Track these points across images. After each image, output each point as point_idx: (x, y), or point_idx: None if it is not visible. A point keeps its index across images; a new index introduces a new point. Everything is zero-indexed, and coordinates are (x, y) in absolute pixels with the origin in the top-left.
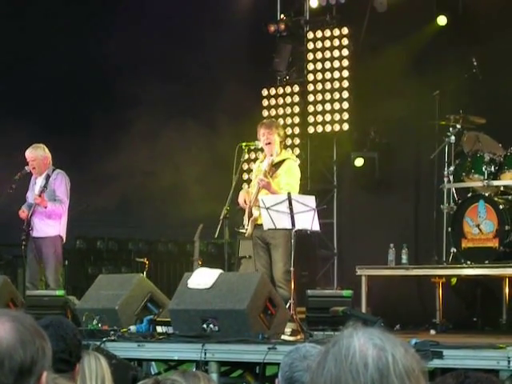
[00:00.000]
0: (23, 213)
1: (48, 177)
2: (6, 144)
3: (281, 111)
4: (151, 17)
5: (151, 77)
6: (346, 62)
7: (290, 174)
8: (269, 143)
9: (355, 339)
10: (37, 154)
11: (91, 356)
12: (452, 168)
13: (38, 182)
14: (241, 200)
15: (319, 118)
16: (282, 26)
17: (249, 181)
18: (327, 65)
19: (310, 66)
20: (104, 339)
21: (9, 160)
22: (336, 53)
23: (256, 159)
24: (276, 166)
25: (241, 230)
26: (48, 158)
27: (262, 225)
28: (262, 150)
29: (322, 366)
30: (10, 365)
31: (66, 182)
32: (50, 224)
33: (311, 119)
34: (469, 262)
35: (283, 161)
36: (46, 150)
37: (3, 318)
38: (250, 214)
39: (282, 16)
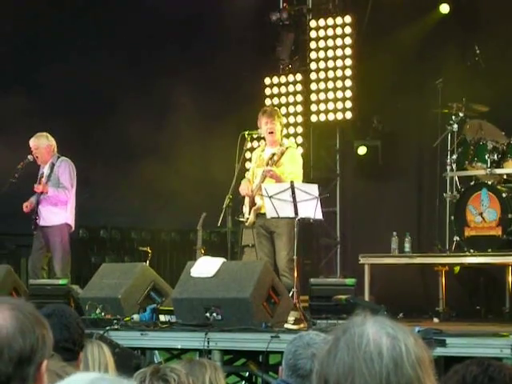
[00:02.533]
0: (26, 207)
1: (52, 165)
2: None
3: (284, 100)
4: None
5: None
6: (348, 51)
7: (294, 162)
8: (271, 132)
9: (368, 327)
10: (39, 143)
11: (94, 344)
12: (455, 156)
13: (44, 171)
14: (243, 189)
15: (322, 107)
16: (285, 15)
17: (247, 170)
18: (330, 53)
19: (313, 55)
20: (107, 328)
21: None
22: (339, 41)
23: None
24: (280, 155)
25: (241, 219)
26: (51, 146)
27: (265, 214)
28: (263, 138)
29: (334, 354)
30: (9, 353)
31: (70, 169)
32: (56, 212)
33: (314, 108)
34: (472, 251)
35: (285, 149)
36: (49, 137)
37: (3, 307)
38: (253, 203)
39: (285, 5)
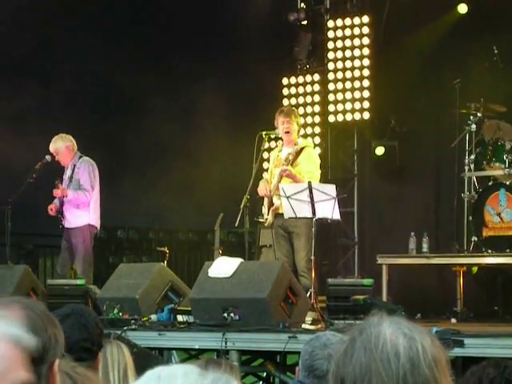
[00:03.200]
0: (51, 210)
1: (74, 166)
2: None
3: (301, 100)
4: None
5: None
6: (366, 51)
7: (310, 162)
8: (287, 132)
9: (384, 328)
10: (56, 147)
11: (113, 345)
12: (473, 156)
13: (66, 173)
14: (261, 190)
15: (340, 107)
16: (302, 15)
17: (264, 170)
18: (348, 53)
19: (331, 55)
20: (125, 328)
21: None
22: (357, 41)
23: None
24: (295, 154)
25: (260, 220)
26: (70, 147)
27: (283, 214)
28: (281, 138)
29: (350, 355)
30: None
31: (90, 169)
32: (78, 214)
33: (332, 108)
34: (490, 251)
35: (302, 149)
36: (64, 138)
37: (15, 306)
38: (271, 204)
39: (302, 5)
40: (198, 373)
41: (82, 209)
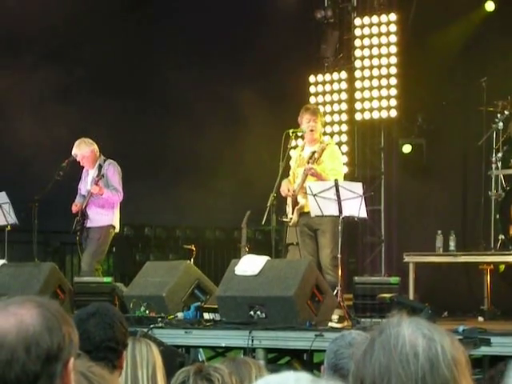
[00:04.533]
0: (75, 207)
1: (100, 167)
2: None
3: (328, 98)
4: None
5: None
6: (393, 49)
7: (334, 159)
8: (312, 130)
9: (404, 328)
10: (81, 151)
11: (142, 343)
12: (500, 154)
13: (90, 173)
14: (283, 190)
15: (367, 105)
16: (329, 13)
17: (288, 168)
18: (375, 51)
19: (358, 53)
20: (151, 326)
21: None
22: (384, 39)
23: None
24: (320, 152)
25: (284, 220)
26: (94, 151)
27: (308, 212)
28: (302, 136)
29: (370, 355)
30: (36, 351)
31: (118, 171)
32: (103, 213)
33: (359, 106)
34: None
35: (325, 146)
36: (87, 142)
37: (29, 305)
38: (295, 203)
39: (329, 2)
40: (311, 380)
41: (106, 209)
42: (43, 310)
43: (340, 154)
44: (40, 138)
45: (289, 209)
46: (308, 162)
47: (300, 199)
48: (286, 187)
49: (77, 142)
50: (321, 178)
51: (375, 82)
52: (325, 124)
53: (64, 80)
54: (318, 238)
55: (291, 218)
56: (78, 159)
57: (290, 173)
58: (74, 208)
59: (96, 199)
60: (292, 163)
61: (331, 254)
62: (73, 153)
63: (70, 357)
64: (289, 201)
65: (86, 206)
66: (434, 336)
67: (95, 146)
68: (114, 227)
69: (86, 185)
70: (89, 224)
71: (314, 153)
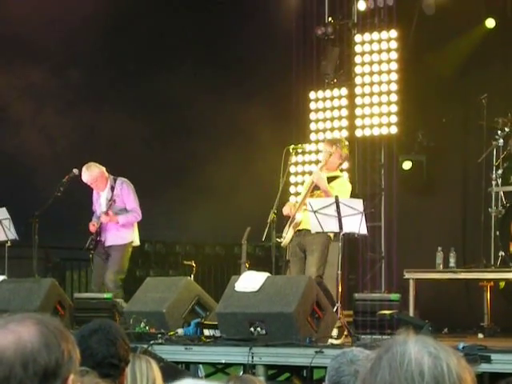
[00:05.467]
0: (93, 226)
1: (112, 188)
2: None
3: (328, 114)
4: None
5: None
6: (394, 65)
7: (342, 187)
8: (326, 162)
9: (410, 346)
10: (93, 175)
11: (142, 359)
12: (500, 171)
13: (102, 195)
14: (285, 210)
15: (367, 121)
16: (330, 29)
17: (291, 184)
18: (375, 68)
19: (358, 69)
20: (151, 342)
21: None
22: (384, 56)
23: (303, 162)
24: (328, 179)
25: (278, 240)
26: (104, 172)
27: (302, 231)
28: (308, 152)
29: (375, 373)
30: (34, 368)
31: (132, 190)
32: (122, 232)
33: (359, 122)
34: None
35: (336, 177)
36: (97, 165)
37: (28, 321)
38: (293, 219)
39: (330, 19)
40: None
41: (126, 227)
42: (42, 326)
43: (349, 186)
44: (42, 151)
45: (287, 229)
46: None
47: (297, 215)
48: (288, 208)
49: (85, 168)
50: (324, 189)
51: (375, 99)
52: (344, 157)
53: (68, 94)
54: (307, 257)
55: (284, 237)
56: (89, 183)
57: (298, 195)
58: (92, 227)
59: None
60: (303, 189)
61: (316, 272)
62: (83, 179)
63: (70, 374)
64: (289, 221)
65: (101, 227)
66: (439, 354)
67: (103, 168)
68: (132, 242)
69: (99, 206)
70: (108, 243)
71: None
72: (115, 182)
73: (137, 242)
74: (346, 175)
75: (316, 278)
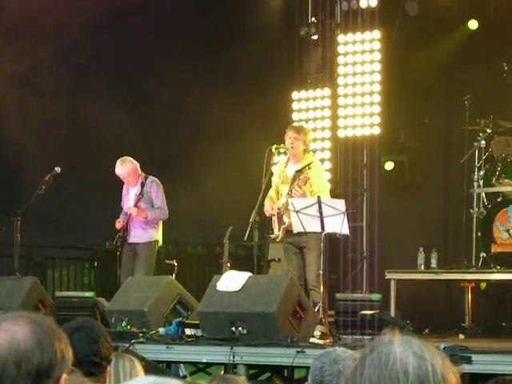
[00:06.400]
0: (119, 223)
1: (142, 184)
2: None
3: (311, 114)
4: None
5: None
6: (377, 66)
7: (317, 175)
8: (292, 147)
9: (395, 346)
10: (127, 169)
11: (126, 358)
12: (482, 172)
13: (132, 191)
14: (267, 210)
15: (350, 122)
16: (313, 29)
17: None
18: (358, 68)
19: (341, 70)
20: (133, 341)
21: None
22: (367, 56)
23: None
24: (300, 171)
25: (271, 236)
26: (137, 168)
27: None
28: (286, 152)
29: (360, 372)
30: (27, 367)
31: (161, 189)
32: (147, 230)
33: (341, 123)
34: (498, 267)
35: (308, 165)
36: (131, 160)
37: (21, 320)
38: (281, 220)
39: (313, 19)
40: None
41: (150, 225)
42: (35, 326)
43: (323, 170)
44: (27, 148)
45: (274, 224)
46: (292, 183)
47: (285, 218)
48: (269, 207)
49: (119, 161)
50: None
51: (358, 99)
52: (309, 143)
53: (53, 87)
54: (305, 256)
55: (278, 235)
56: (121, 177)
57: (272, 188)
58: (118, 224)
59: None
60: (274, 178)
61: (317, 271)
62: (117, 172)
63: (62, 373)
64: (274, 218)
65: (128, 223)
66: (424, 355)
67: (137, 164)
68: (158, 241)
69: (127, 202)
70: (134, 240)
71: (299, 180)
72: (146, 180)
73: (160, 243)
74: (312, 156)
75: (317, 276)
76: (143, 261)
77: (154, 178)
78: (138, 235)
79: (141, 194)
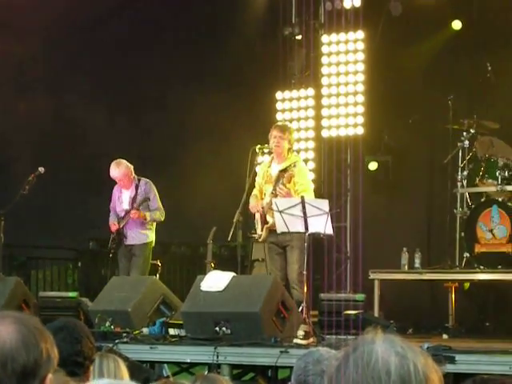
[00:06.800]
0: (114, 225)
1: (136, 187)
2: None
3: (295, 114)
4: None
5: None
6: (360, 66)
7: (301, 175)
8: (277, 146)
9: (377, 346)
10: (122, 171)
11: (110, 358)
12: (465, 172)
13: (125, 193)
14: (253, 207)
15: (333, 122)
16: (297, 30)
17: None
18: (342, 68)
19: (325, 70)
20: (116, 341)
21: None
22: (351, 56)
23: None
24: (285, 170)
25: (254, 235)
26: (132, 170)
27: (276, 230)
28: (270, 152)
29: (343, 372)
30: (12, 366)
31: (155, 190)
32: (143, 232)
33: (325, 123)
34: (482, 267)
35: (293, 163)
36: (125, 162)
37: (7, 320)
38: (264, 220)
39: (297, 19)
40: None
41: (146, 226)
42: (21, 326)
43: (306, 169)
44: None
45: (257, 224)
46: (276, 183)
47: (269, 218)
48: (254, 204)
49: (114, 164)
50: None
51: (342, 100)
52: (293, 143)
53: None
54: (287, 254)
55: (260, 235)
56: (117, 180)
57: (256, 188)
58: (113, 227)
59: (140, 220)
60: (258, 179)
61: (299, 269)
62: (112, 174)
63: (48, 373)
64: (257, 216)
65: (124, 225)
66: (407, 354)
67: (131, 166)
68: (152, 242)
69: (120, 204)
70: (131, 241)
71: (284, 179)
72: (139, 182)
73: (153, 241)
74: (296, 155)
75: (299, 274)
76: (141, 262)
77: (147, 179)
78: (135, 237)
79: (135, 197)
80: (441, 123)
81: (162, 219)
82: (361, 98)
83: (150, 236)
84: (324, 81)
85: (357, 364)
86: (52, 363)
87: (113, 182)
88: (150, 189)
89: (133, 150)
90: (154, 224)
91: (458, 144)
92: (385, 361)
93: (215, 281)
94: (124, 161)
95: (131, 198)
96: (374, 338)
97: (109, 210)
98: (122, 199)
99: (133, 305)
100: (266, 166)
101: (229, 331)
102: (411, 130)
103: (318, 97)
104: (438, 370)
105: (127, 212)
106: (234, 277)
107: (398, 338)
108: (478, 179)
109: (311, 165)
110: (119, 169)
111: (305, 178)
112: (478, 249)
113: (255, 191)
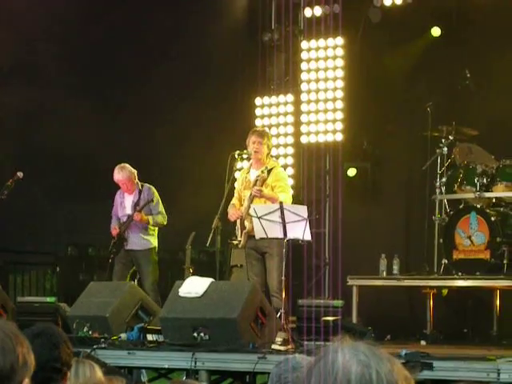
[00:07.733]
0: (115, 230)
1: (139, 192)
2: None
3: (274, 120)
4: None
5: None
6: (339, 73)
7: (280, 179)
8: (256, 152)
9: (340, 355)
10: (126, 175)
11: (86, 364)
12: (444, 179)
13: (128, 198)
14: (232, 215)
15: (312, 128)
16: (276, 35)
17: (233, 190)
18: (321, 75)
19: (304, 76)
20: (94, 347)
21: None
22: (330, 63)
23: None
24: (266, 177)
25: (234, 242)
26: (135, 175)
27: (255, 236)
28: (249, 158)
29: (308, 380)
30: None
31: (158, 195)
32: (146, 237)
33: (304, 129)
34: (460, 274)
35: (270, 170)
36: (129, 167)
37: None
38: (243, 226)
39: (276, 25)
40: None
41: (149, 231)
42: None
43: (285, 174)
44: None
45: (238, 231)
46: (254, 185)
47: (247, 224)
48: (233, 211)
49: (119, 168)
50: (269, 198)
51: (321, 106)
52: (271, 148)
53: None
54: (266, 261)
55: (240, 241)
56: (121, 184)
57: (235, 196)
58: (114, 231)
59: (141, 224)
60: (237, 185)
61: (278, 277)
62: (116, 178)
63: (24, 378)
64: (237, 223)
65: (126, 230)
66: (370, 362)
67: (135, 171)
68: (155, 248)
69: (123, 210)
70: (133, 247)
71: (257, 180)
72: (142, 187)
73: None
74: (275, 161)
75: (279, 282)
76: (150, 269)
77: (150, 185)
78: (137, 242)
79: (137, 203)
80: (419, 130)
81: (165, 223)
82: (340, 105)
83: (153, 242)
84: (303, 87)
85: (320, 374)
86: (28, 368)
87: (97, 188)
88: (153, 194)
89: (112, 153)
90: (156, 229)
91: (437, 151)
92: (346, 370)
93: (193, 286)
94: (128, 165)
95: (134, 203)
96: (338, 347)
97: (110, 216)
98: (125, 204)
99: (111, 310)
100: (244, 172)
101: (207, 337)
102: (390, 136)
103: (298, 103)
104: (407, 378)
105: (130, 217)
106: (212, 282)
107: (365, 346)
108: (456, 186)
109: (290, 171)
110: (123, 173)
111: (283, 181)
112: (456, 255)
113: (234, 200)
